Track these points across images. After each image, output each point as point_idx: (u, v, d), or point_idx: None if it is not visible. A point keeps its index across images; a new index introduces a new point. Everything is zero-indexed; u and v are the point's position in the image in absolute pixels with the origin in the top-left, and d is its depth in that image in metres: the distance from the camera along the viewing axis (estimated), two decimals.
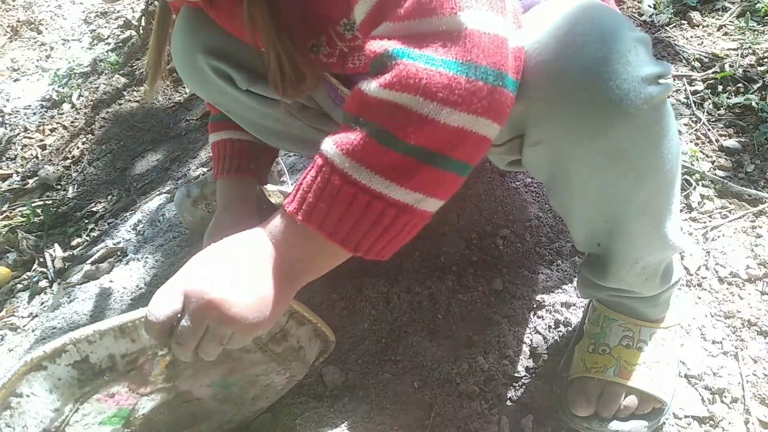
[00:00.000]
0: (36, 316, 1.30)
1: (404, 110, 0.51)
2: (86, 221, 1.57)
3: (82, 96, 2.12)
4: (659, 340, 0.87)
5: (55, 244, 1.51)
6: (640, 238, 0.72)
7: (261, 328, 0.59)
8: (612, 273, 0.78)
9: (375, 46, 0.53)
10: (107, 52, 2.32)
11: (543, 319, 0.98)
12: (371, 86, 0.52)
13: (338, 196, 0.53)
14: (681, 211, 1.14)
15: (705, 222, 1.11)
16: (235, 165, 1.06)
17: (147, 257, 1.32)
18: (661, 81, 0.58)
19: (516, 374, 0.92)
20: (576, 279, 1.04)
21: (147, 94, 0.90)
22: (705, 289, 1.01)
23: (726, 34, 1.52)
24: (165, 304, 0.57)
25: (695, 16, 1.56)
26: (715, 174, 1.19)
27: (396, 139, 0.51)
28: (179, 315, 0.57)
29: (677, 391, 0.87)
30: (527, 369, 0.93)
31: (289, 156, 1.47)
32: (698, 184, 1.17)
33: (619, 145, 0.61)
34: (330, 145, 0.54)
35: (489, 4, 0.52)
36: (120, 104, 1.98)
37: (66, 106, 2.12)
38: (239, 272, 0.58)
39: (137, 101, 1.97)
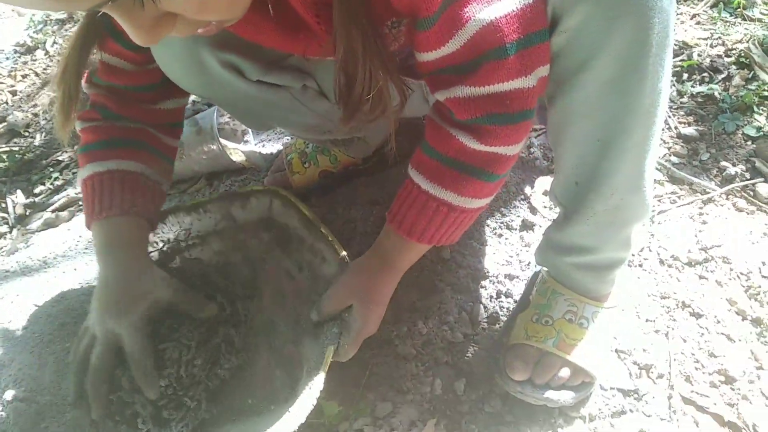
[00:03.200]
0: None
1: (500, 157, 0.73)
2: (51, 170, 1.57)
3: (57, 43, 2.09)
4: (599, 319, 0.91)
5: (18, 191, 1.51)
6: (625, 163, 0.75)
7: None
8: (585, 208, 0.81)
9: (465, 115, 0.71)
10: None
11: (485, 289, 1.01)
12: (472, 143, 0.72)
13: (445, 220, 0.79)
14: None
15: (654, 206, 1.14)
16: (117, 202, 0.88)
17: None
18: None
19: (453, 340, 0.95)
20: (527, 250, 1.07)
21: (59, 134, 0.80)
22: (645, 270, 1.04)
23: (698, 23, 1.53)
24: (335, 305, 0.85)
25: None
26: (670, 160, 1.22)
27: (495, 175, 0.75)
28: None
29: (606, 368, 0.91)
30: (465, 335, 0.95)
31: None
32: None
33: (638, 34, 0.64)
34: (446, 194, 0.76)
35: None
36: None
37: (39, 53, 2.09)
38: (377, 293, 0.85)
39: None
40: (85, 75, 0.92)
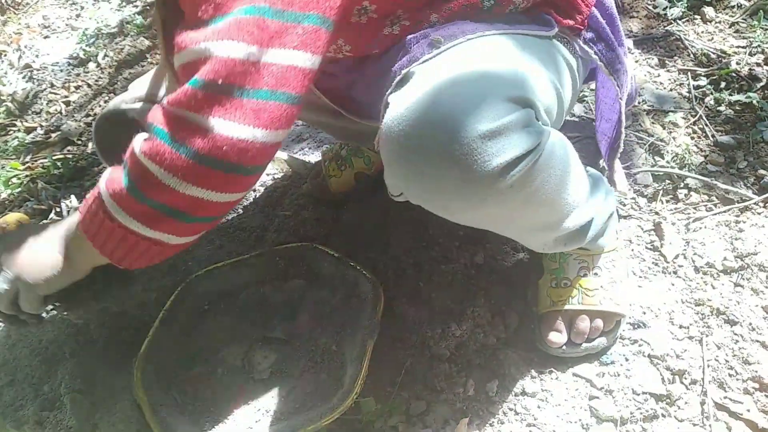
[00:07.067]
0: None
1: (152, 176, 0.62)
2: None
3: (108, 56, 2.18)
4: (610, 263, 0.98)
5: (72, 196, 1.59)
6: (536, 239, 0.84)
7: (36, 285, 0.78)
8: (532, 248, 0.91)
9: (150, 116, 0.64)
10: (134, 14, 2.38)
11: (518, 293, 1.03)
12: (138, 147, 0.63)
13: (103, 225, 0.68)
14: (667, 201, 1.17)
15: (689, 213, 1.14)
16: None
17: None
18: (521, 161, 0.61)
19: (486, 342, 0.97)
20: None
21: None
22: (680, 277, 1.04)
23: (737, 31, 1.53)
24: None
25: (708, 11, 1.57)
26: (706, 168, 1.22)
27: (143, 195, 0.64)
28: None
29: (631, 299, 1.01)
30: (498, 339, 0.98)
31: (296, 125, 1.52)
32: (687, 177, 1.20)
33: (480, 216, 0.69)
34: (103, 181, 0.68)
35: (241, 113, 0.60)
36: (143, 66, 2.04)
37: (91, 65, 2.19)
38: (45, 242, 0.80)
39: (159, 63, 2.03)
40: None
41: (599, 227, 0.90)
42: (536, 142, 0.62)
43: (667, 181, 1.20)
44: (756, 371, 0.91)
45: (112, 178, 0.66)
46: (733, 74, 1.39)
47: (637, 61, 1.48)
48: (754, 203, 1.14)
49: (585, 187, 0.79)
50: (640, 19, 1.60)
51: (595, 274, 0.96)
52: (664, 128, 1.31)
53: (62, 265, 0.78)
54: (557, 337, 0.93)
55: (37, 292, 0.80)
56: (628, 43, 1.52)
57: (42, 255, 0.79)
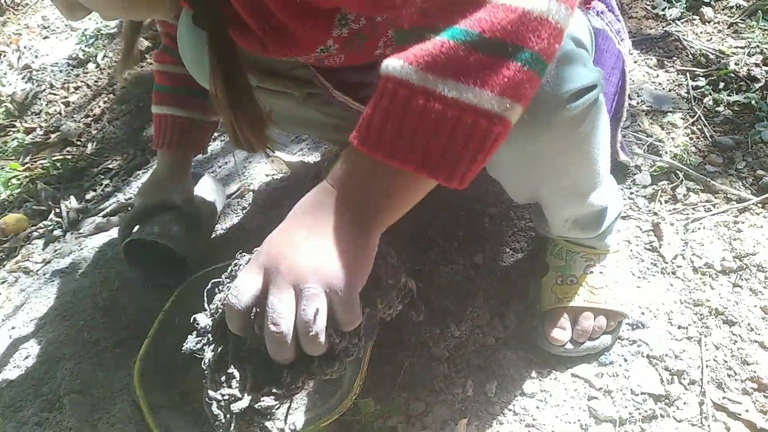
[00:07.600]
0: (48, 262, 1.38)
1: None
2: (101, 177, 1.65)
3: (107, 56, 2.19)
4: (614, 263, 0.99)
5: (71, 197, 1.59)
6: (565, 207, 0.85)
7: (352, 282, 0.53)
8: (551, 227, 0.93)
9: None
10: None
11: (517, 294, 1.03)
12: None
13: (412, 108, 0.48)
14: (666, 202, 1.17)
15: (688, 214, 1.15)
16: (175, 141, 1.17)
17: None
18: (585, 93, 0.62)
19: (485, 343, 0.97)
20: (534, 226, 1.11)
21: (117, 73, 0.93)
22: (678, 277, 1.05)
23: (736, 32, 1.53)
24: (246, 285, 0.52)
25: (707, 12, 1.57)
26: (705, 168, 1.22)
27: (478, 33, 0.46)
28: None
29: (633, 298, 1.01)
30: (497, 339, 0.98)
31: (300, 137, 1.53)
32: (686, 178, 1.20)
33: (538, 151, 0.69)
34: (398, 63, 0.48)
35: None
36: (141, 66, 2.04)
37: (91, 66, 2.19)
38: (311, 229, 0.53)
39: None
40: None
41: (610, 222, 0.93)
42: (597, 79, 0.64)
43: (666, 182, 1.20)
44: (754, 371, 0.91)
45: (411, 53, 0.47)
46: (732, 75, 1.39)
47: (635, 62, 1.48)
48: (753, 204, 1.15)
49: (608, 165, 0.83)
50: (639, 19, 1.61)
51: (601, 272, 0.97)
52: (662, 128, 1.31)
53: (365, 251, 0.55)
54: (561, 334, 0.93)
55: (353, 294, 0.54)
56: (627, 44, 1.52)
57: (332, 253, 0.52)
